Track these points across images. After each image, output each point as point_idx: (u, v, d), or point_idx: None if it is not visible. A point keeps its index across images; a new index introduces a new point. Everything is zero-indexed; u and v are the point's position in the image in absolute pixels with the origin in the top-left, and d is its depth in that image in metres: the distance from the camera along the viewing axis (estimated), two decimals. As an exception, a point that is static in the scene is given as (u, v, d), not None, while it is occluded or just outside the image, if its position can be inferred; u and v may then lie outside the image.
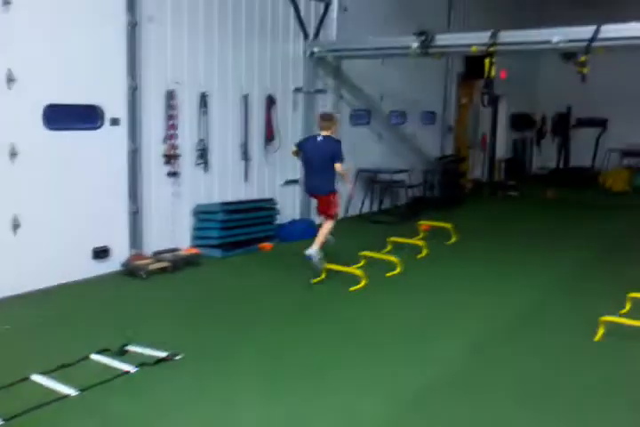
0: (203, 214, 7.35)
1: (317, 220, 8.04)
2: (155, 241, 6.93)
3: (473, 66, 11.17)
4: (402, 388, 3.98)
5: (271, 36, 8.35)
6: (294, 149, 6.87)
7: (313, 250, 6.24)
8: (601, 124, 16.44)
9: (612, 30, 6.98)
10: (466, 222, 9.86)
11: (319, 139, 6.56)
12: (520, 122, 16.23)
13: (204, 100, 7.36)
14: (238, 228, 7.44)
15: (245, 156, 8.09)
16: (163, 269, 6.46)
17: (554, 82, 15.80)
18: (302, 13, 8.77)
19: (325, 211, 6.62)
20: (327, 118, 6.74)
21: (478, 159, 14.58)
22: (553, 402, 3.81)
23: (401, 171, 10.45)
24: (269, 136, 8.40)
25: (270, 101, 8.38)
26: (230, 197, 7.84)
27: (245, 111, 8.00)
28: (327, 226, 6.49)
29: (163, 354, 4.31)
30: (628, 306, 5.53)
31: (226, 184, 7.87)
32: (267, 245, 7.72)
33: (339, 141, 6.66)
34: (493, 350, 4.68)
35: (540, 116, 17.32)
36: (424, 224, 8.63)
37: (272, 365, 4.28)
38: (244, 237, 7.52)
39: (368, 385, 4.00)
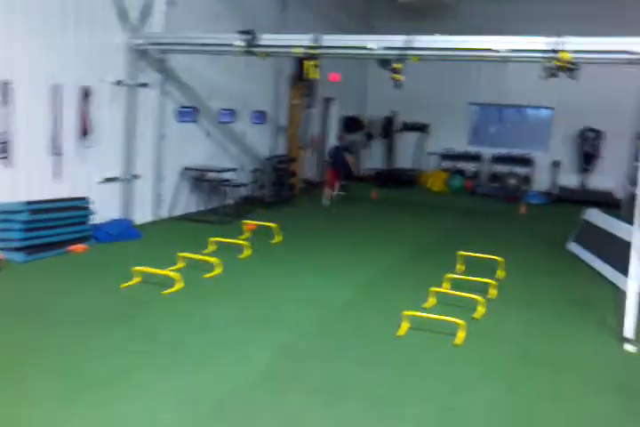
0: (3, 214, 6.67)
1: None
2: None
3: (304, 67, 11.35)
4: (204, 393, 3.84)
5: (88, 24, 7.77)
6: None
7: None
8: (423, 128, 17.55)
9: (423, 41, 7.39)
10: (293, 221, 10.01)
11: None
12: (350, 124, 16.79)
13: (4, 89, 6.68)
14: (45, 229, 6.85)
15: (56, 151, 7.48)
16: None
17: (382, 87, 16.58)
18: (125, 3, 8.31)
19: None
20: None
21: (310, 160, 14.86)
22: (351, 400, 3.90)
23: (229, 169, 10.31)
24: (84, 130, 7.84)
25: (85, 93, 7.83)
26: (38, 196, 7.21)
27: (56, 102, 7.40)
28: None
29: None
30: (431, 300, 5.87)
31: (32, 181, 7.22)
32: (79, 247, 7.19)
33: None
34: (304, 349, 4.70)
35: (368, 120, 18.07)
36: (249, 223, 8.58)
37: (68, 373, 3.94)
38: (51, 240, 6.94)
39: (170, 391, 3.82)
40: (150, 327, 4.95)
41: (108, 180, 8.42)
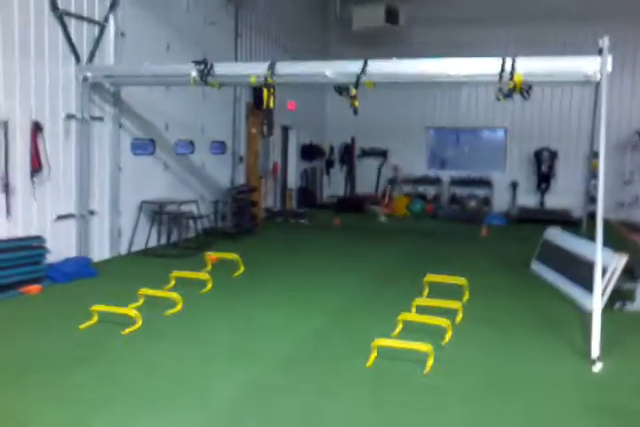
0: (-49, 257, 6.39)
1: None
2: None
3: (261, 96, 11.34)
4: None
5: (36, 56, 7.61)
6: None
7: None
8: (382, 154, 17.69)
9: (377, 65, 7.41)
10: (256, 252, 9.86)
11: None
12: (310, 152, 16.83)
13: (-52, 126, 6.46)
14: (-4, 270, 6.57)
15: (6, 188, 7.23)
16: None
17: (340, 114, 16.70)
18: (73, 35, 8.18)
19: None
20: None
21: (270, 189, 14.79)
22: (324, 437, 3.75)
23: (189, 201, 10.14)
24: (36, 166, 7.61)
25: (36, 128, 7.62)
26: (-12, 236, 6.95)
27: (5, 138, 7.17)
28: None
29: None
30: (399, 327, 5.78)
31: (-18, 221, 6.96)
32: (32, 288, 6.90)
33: None
34: (269, 384, 4.53)
35: (328, 147, 18.16)
36: (211, 256, 8.40)
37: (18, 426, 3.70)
38: (2, 281, 6.64)
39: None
40: (108, 371, 4.72)
41: (63, 217, 8.16)
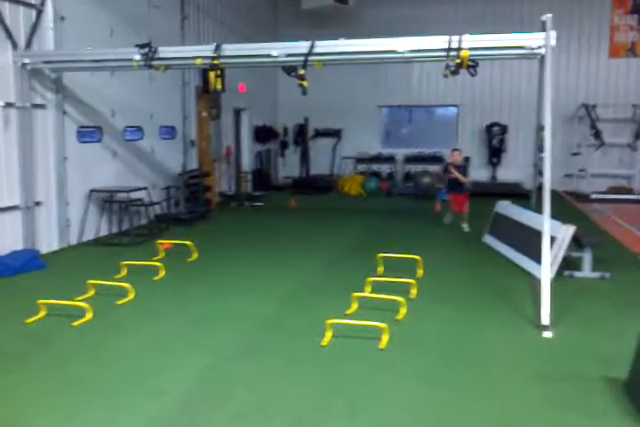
0: None
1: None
2: None
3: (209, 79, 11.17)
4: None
5: (-32, 44, 7.33)
6: None
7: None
8: (336, 134, 17.68)
9: (325, 46, 7.38)
10: (210, 237, 9.78)
11: None
12: (263, 134, 16.70)
13: None
14: None
15: (-56, 182, 6.98)
16: None
17: (292, 95, 16.59)
18: (8, 19, 7.86)
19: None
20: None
21: (224, 172, 14.63)
22: (276, 419, 3.76)
23: (139, 188, 9.95)
24: (-25, 158, 7.36)
25: (-27, 118, 7.35)
26: None
27: (-60, 130, 6.90)
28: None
29: None
30: (354, 306, 5.82)
31: None
32: (-22, 282, 6.72)
33: None
34: (225, 371, 4.51)
35: (282, 128, 18.04)
36: (164, 243, 8.29)
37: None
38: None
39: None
40: (56, 363, 4.61)
41: (7, 209, 7.92)
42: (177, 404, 3.96)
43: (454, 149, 11.17)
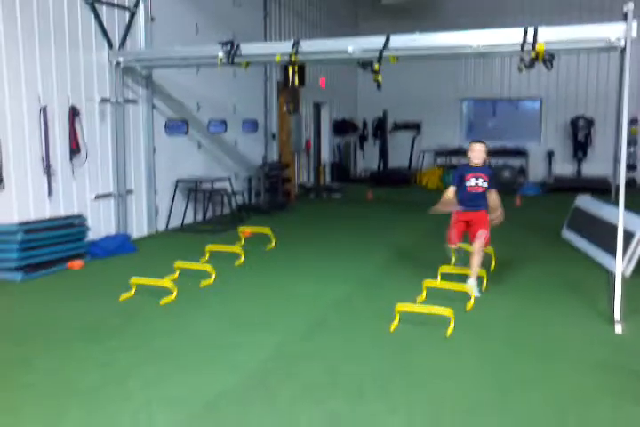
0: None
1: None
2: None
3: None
4: (197, 396, 3.93)
5: (70, 44, 7.91)
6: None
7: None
8: (415, 127, 17.67)
9: (400, 41, 7.46)
10: (288, 226, 10.13)
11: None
12: (343, 127, 16.94)
13: (-8, 113, 6.84)
14: (41, 248, 6.98)
15: (48, 170, 7.62)
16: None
17: (372, 89, 16.74)
18: (105, 21, 8.46)
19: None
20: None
21: (304, 165, 14.99)
22: (341, 394, 3.99)
23: (222, 179, 10.43)
24: (75, 149, 7.97)
25: (74, 112, 7.96)
26: (33, 216, 7.36)
27: (45, 122, 7.52)
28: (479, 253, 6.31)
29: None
30: (424, 294, 5.96)
31: (26, 202, 7.36)
32: (76, 263, 7.31)
33: None
34: (296, 349, 4.79)
35: (361, 121, 18.21)
36: (245, 230, 8.69)
37: (59, 386, 4.05)
38: (48, 258, 7.07)
39: (162, 396, 3.91)
40: (143, 338, 5.05)
41: (102, 196, 8.56)
42: (251, 378, 4.26)
43: (475, 142, 6.73)
